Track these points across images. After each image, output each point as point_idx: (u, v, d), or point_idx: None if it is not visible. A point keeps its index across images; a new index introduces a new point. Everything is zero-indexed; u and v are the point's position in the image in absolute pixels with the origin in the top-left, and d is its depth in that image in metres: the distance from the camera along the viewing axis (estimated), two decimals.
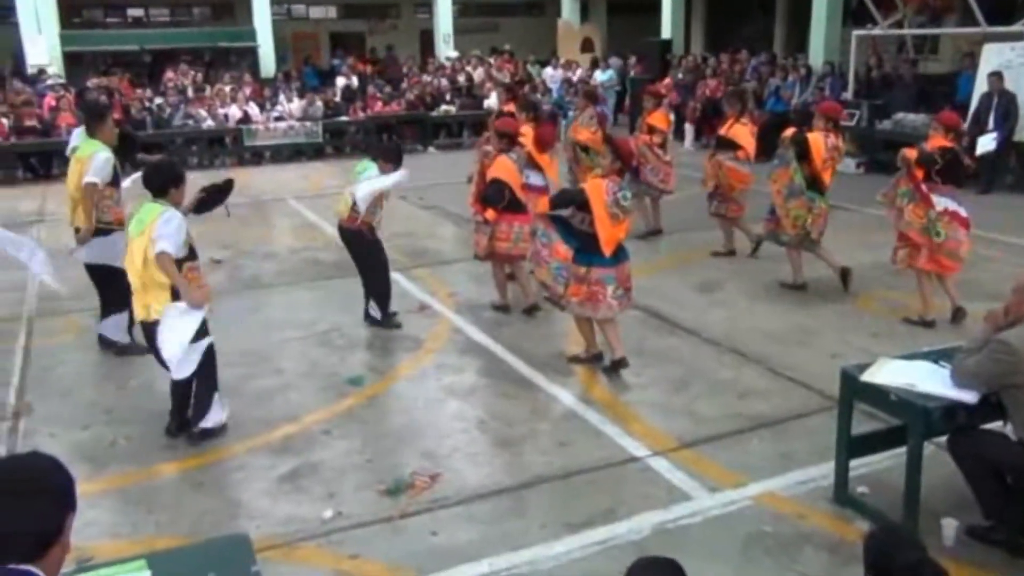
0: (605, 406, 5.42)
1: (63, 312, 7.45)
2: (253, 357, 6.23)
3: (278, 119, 16.34)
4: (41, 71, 17.44)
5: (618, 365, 5.77)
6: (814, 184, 7.08)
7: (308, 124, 16.24)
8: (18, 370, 6.21)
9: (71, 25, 20.08)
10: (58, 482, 1.83)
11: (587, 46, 22.00)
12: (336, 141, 16.89)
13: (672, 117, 11.09)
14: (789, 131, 7.39)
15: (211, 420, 5.03)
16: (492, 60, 20.41)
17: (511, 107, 8.19)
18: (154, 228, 4.69)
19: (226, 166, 15.63)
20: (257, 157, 16.10)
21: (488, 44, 22.44)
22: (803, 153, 7.05)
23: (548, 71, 20.19)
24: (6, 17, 19.37)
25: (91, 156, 6.16)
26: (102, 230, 6.27)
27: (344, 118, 16.85)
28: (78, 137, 6.62)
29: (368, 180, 6.37)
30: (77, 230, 6.36)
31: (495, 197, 6.53)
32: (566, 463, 4.71)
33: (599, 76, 19.00)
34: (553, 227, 5.87)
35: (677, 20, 20.03)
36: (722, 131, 8.61)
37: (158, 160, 5.24)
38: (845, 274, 7.26)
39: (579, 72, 19.72)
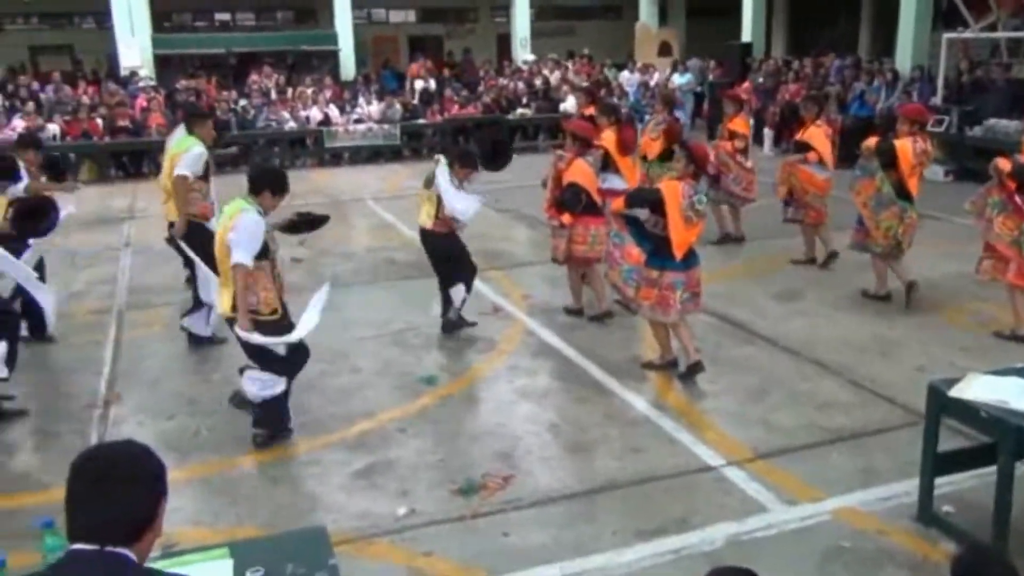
0: (679, 413, 5.36)
1: (151, 306, 7.74)
2: (331, 354, 6.34)
3: (357, 121, 16.63)
4: (133, 73, 18.11)
5: (694, 370, 5.70)
6: (902, 192, 6.87)
7: (386, 126, 16.48)
8: (109, 361, 6.45)
9: (162, 29, 20.80)
10: (152, 469, 1.89)
11: (665, 50, 21.80)
12: (413, 143, 17.10)
13: (752, 122, 10.89)
14: (871, 141, 7.18)
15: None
16: (570, 64, 20.38)
17: (590, 110, 8.16)
18: (233, 228, 4.71)
19: (306, 166, 16.00)
20: (336, 158, 16.42)
21: (565, 48, 22.43)
22: (890, 162, 6.84)
23: (625, 75, 20.07)
24: (102, 22, 20.22)
25: (185, 151, 6.41)
26: (190, 223, 6.46)
27: (421, 121, 17.06)
28: (178, 134, 6.89)
29: (448, 191, 6.32)
30: (171, 224, 6.60)
31: (572, 201, 6.52)
32: (639, 470, 4.68)
33: (677, 80, 18.80)
34: (627, 229, 5.84)
35: (758, 23, 19.68)
36: (798, 136, 8.43)
37: (271, 164, 5.32)
38: (911, 288, 7.02)
39: (656, 76, 19.56)
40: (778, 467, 4.67)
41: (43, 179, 6.98)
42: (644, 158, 8.59)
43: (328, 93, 17.25)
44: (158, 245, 8.45)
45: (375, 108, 16.98)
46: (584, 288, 7.15)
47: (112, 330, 7.14)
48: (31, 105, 15.63)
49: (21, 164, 6.58)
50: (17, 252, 6.06)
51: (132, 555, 1.80)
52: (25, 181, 6.47)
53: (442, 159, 6.44)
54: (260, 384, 4.88)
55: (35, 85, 17.06)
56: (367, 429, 5.25)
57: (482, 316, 7.10)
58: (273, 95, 17.18)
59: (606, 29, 25.59)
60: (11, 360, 5.39)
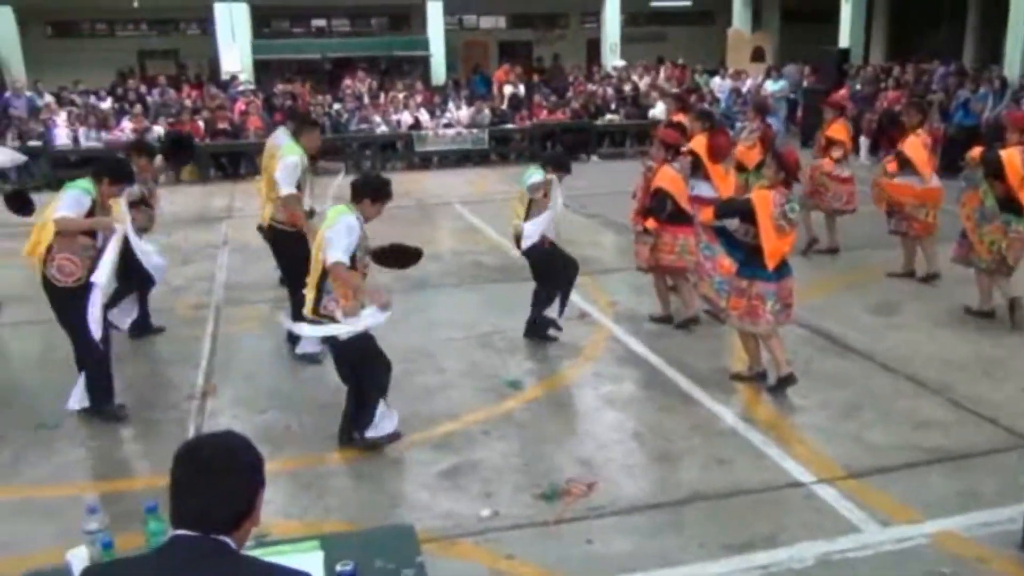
0: (768, 426, 5.24)
1: (247, 302, 7.99)
2: (417, 355, 6.43)
3: (447, 126, 16.84)
4: (234, 77, 18.76)
5: (784, 383, 5.57)
6: (1010, 204, 6.57)
7: (475, 131, 16.64)
8: (206, 354, 6.68)
9: (261, 35, 21.47)
10: (252, 460, 1.94)
11: (758, 55, 21.38)
12: (501, 148, 17.21)
13: (851, 129, 10.55)
14: (976, 151, 6.89)
15: (377, 430, 4.96)
16: (662, 69, 20.15)
17: (680, 117, 8.05)
18: (331, 227, 4.76)
19: (396, 170, 16.26)
20: (425, 162, 16.65)
21: (655, 53, 22.23)
22: (996, 172, 6.55)
23: (716, 81, 19.77)
24: (206, 28, 21.01)
25: (281, 160, 6.29)
26: (277, 230, 6.47)
27: (510, 125, 17.16)
28: (282, 137, 6.80)
29: (533, 221, 6.29)
30: (260, 228, 6.68)
31: (657, 207, 6.45)
32: (726, 482, 4.59)
33: (770, 86, 18.40)
34: (717, 239, 5.76)
35: (857, 28, 19.13)
36: (900, 145, 8.12)
37: (373, 173, 5.30)
38: (1015, 306, 6.69)
39: (749, 82, 19.20)
40: (872, 487, 4.51)
41: (151, 185, 7.12)
42: (741, 168, 8.40)
43: (419, 98, 17.52)
44: (254, 243, 8.73)
45: (464, 113, 17.16)
46: (671, 296, 7.06)
47: (210, 325, 7.39)
48: (138, 107, 16.34)
49: (134, 168, 6.80)
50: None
51: (232, 542, 1.86)
52: (136, 186, 6.62)
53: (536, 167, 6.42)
54: (376, 427, 4.94)
55: (143, 88, 17.85)
56: (451, 430, 5.29)
57: (568, 322, 7.09)
58: (366, 99, 17.54)
59: (697, 34, 25.26)
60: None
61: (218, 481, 1.85)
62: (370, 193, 4.89)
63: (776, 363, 5.62)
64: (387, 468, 4.89)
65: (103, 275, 5.16)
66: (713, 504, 4.40)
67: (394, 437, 5.02)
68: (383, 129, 16.56)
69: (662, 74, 19.83)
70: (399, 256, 5.44)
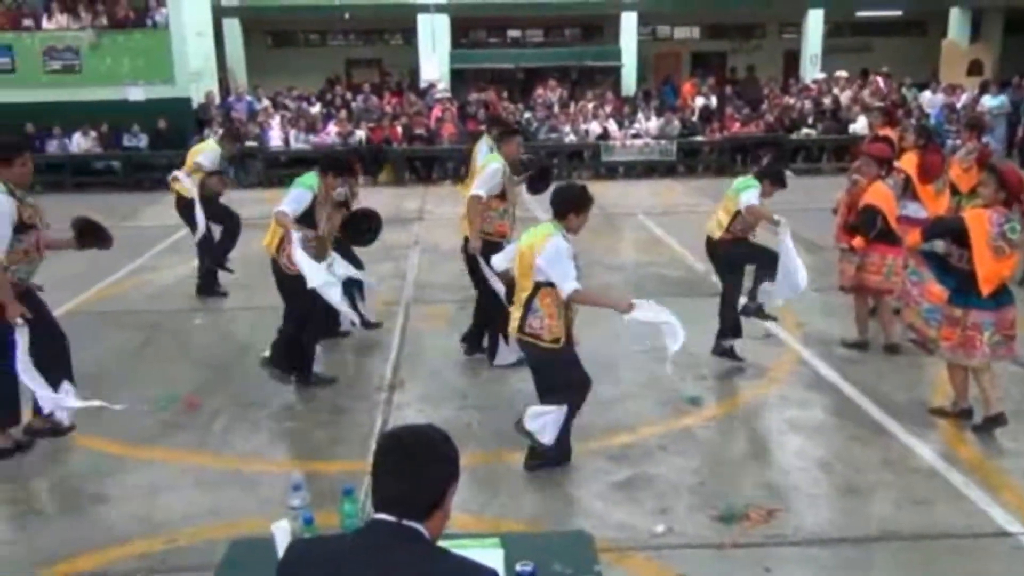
0: (972, 467, 4.85)
1: (435, 301, 8.30)
2: (597, 365, 6.37)
3: (635, 136, 16.79)
4: (431, 85, 19.56)
5: (993, 422, 5.14)
6: None
7: (663, 142, 16.50)
8: (395, 348, 7.00)
9: (459, 45, 22.27)
10: (449, 453, 2.02)
11: (975, 68, 19.89)
12: (689, 160, 16.96)
13: None
14: None
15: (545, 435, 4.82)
16: (872, 81, 19.06)
17: (887, 131, 7.61)
18: (543, 255, 4.57)
19: (582, 179, 16.36)
20: (611, 172, 16.67)
21: (858, 65, 21.14)
22: None
23: (926, 95, 18.53)
24: (409, 39, 22.04)
25: (483, 167, 6.37)
26: (486, 241, 6.30)
27: (699, 138, 16.86)
28: (483, 147, 6.89)
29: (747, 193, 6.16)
30: (465, 239, 6.74)
31: (867, 224, 6.12)
32: (921, 524, 4.29)
33: (987, 102, 17.05)
34: (926, 264, 5.38)
35: None
36: None
37: (569, 183, 5.22)
38: None
39: (964, 97, 17.87)
40: None
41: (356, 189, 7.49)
42: (954, 191, 7.81)
43: (608, 108, 17.57)
44: (444, 245, 9.08)
45: (653, 124, 17.05)
46: (870, 321, 6.69)
47: (399, 321, 7.74)
48: (343, 112, 17.39)
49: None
50: None
51: (425, 532, 1.93)
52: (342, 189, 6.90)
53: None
54: (543, 426, 4.79)
55: (348, 95, 18.97)
56: (628, 442, 5.26)
57: (752, 341, 6.89)
58: (556, 108, 17.79)
59: (907, 46, 23.78)
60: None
61: (417, 469, 1.93)
62: (573, 207, 4.70)
63: (985, 400, 5.19)
64: (563, 473, 4.92)
65: (314, 280, 5.60)
66: (906, 545, 4.12)
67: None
68: (571, 138, 16.73)
69: (868, 89, 18.76)
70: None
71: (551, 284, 4.61)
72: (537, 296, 4.66)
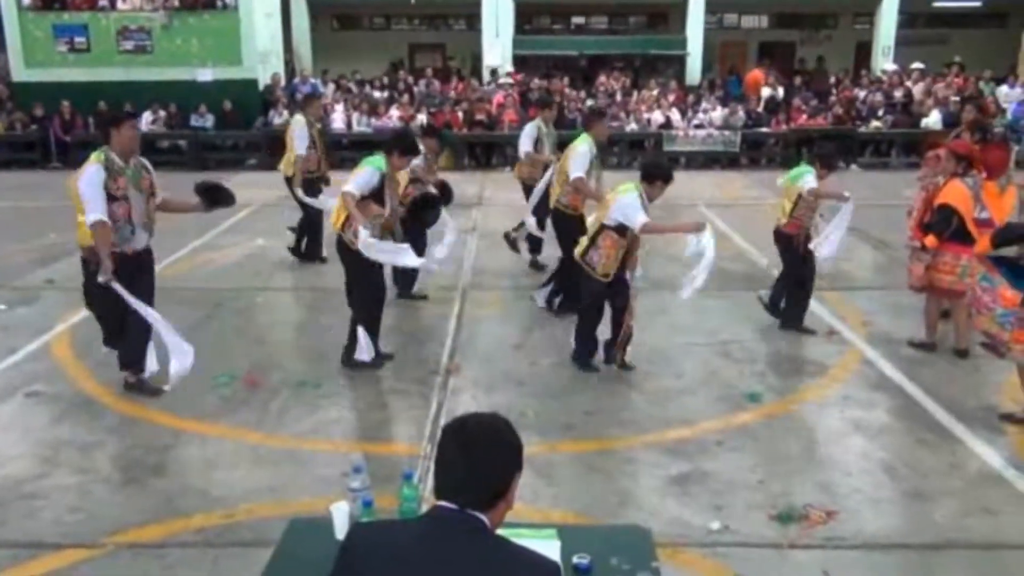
0: None
1: (491, 287, 8.29)
2: (655, 357, 6.37)
3: (698, 127, 16.54)
4: (493, 71, 19.53)
5: None
6: None
7: (727, 133, 16.23)
8: (451, 333, 7.02)
9: (522, 32, 22.16)
10: (513, 442, 2.00)
11: None
12: (752, 152, 16.65)
13: None
14: None
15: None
16: (947, 74, 18.45)
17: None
18: (615, 202, 5.69)
19: None
20: (673, 162, 16.41)
21: (934, 58, 20.47)
22: None
23: (1004, 89, 17.89)
24: (472, 24, 22.02)
25: (574, 149, 6.94)
26: (560, 212, 7.27)
27: (764, 129, 16.54)
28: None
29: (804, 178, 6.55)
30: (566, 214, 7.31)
31: (940, 224, 5.93)
32: (989, 533, 4.15)
33: None
34: (997, 270, 5.19)
35: None
36: None
37: (661, 159, 6.34)
38: None
39: None
40: None
41: (431, 162, 7.81)
42: None
43: (672, 97, 17.33)
44: (502, 231, 9.05)
45: (717, 114, 16.77)
46: (940, 323, 6.50)
47: (456, 306, 7.75)
48: (406, 97, 17.46)
49: (421, 148, 7.22)
50: None
51: (487, 521, 1.92)
52: (421, 161, 7.11)
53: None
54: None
55: (410, 79, 19.04)
56: (685, 436, 5.19)
57: (814, 338, 6.75)
58: (618, 97, 17.61)
59: (985, 39, 22.96)
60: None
61: (481, 457, 1.92)
62: (661, 175, 5.70)
63: None
64: (618, 465, 4.89)
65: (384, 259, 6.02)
66: (973, 555, 3.99)
67: None
68: (632, 127, 16.55)
69: (944, 81, 18.15)
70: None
71: (614, 229, 5.70)
72: (601, 235, 5.77)
